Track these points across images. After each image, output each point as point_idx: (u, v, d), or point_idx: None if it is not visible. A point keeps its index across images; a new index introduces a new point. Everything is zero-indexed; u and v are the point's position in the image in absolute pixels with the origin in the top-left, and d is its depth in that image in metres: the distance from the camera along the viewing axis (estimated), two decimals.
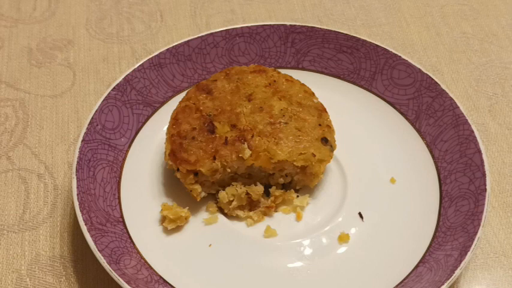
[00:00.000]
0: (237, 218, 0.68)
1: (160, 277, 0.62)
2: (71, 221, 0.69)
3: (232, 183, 0.67)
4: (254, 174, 0.68)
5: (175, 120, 0.68)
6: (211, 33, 0.79)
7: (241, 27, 0.80)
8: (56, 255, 0.66)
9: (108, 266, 0.58)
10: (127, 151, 0.72)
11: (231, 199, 0.67)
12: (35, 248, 0.67)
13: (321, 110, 0.69)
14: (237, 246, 0.65)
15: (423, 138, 0.73)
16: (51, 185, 0.72)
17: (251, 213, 0.67)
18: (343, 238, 0.65)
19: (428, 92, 0.74)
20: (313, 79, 0.77)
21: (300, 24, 0.80)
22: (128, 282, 0.57)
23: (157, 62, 0.76)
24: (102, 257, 0.59)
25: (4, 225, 0.69)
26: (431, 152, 0.71)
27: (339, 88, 0.78)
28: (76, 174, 0.65)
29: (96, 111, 0.71)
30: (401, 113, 0.75)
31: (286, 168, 0.66)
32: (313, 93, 0.71)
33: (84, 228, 0.61)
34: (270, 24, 0.80)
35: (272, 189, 0.68)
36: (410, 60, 0.76)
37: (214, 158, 0.65)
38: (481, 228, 0.61)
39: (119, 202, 0.68)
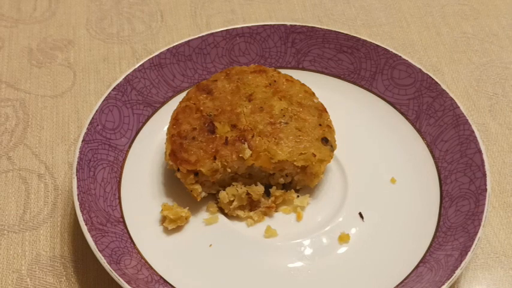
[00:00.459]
0: (238, 218, 0.68)
1: (161, 277, 0.62)
2: (72, 221, 0.69)
3: (233, 183, 0.67)
4: (254, 174, 0.68)
5: (175, 120, 0.68)
6: (212, 33, 0.79)
7: (242, 27, 0.80)
8: (56, 255, 0.66)
9: (108, 266, 0.58)
10: (127, 151, 0.72)
11: (232, 199, 0.67)
12: (35, 248, 0.67)
13: (321, 110, 0.69)
14: (238, 246, 0.65)
15: (423, 138, 0.73)
16: (52, 185, 0.72)
17: (251, 213, 0.67)
18: (344, 238, 0.65)
19: (428, 92, 0.74)
20: (313, 79, 0.77)
21: (301, 24, 0.80)
22: (128, 282, 0.57)
23: (157, 62, 0.76)
24: (102, 257, 0.59)
25: (4, 225, 0.69)
26: (431, 152, 0.71)
27: (339, 88, 0.78)
28: (76, 175, 0.65)
29: (96, 111, 0.71)
30: (402, 113, 0.75)
31: (287, 168, 0.66)
32: (313, 93, 0.71)
33: (84, 229, 0.61)
34: (271, 24, 0.80)
35: (272, 189, 0.68)
36: (410, 60, 0.76)
37: (215, 158, 0.65)
38: (481, 228, 0.61)
39: (119, 202, 0.68)
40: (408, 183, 0.70)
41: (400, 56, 0.76)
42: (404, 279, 0.62)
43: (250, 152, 0.65)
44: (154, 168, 0.71)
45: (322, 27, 0.80)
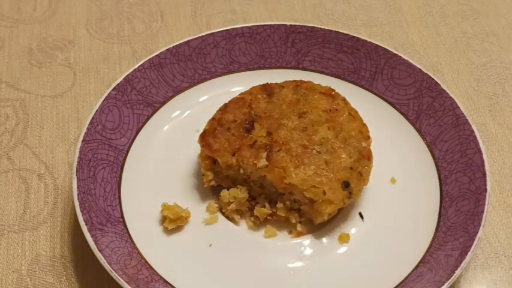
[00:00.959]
0: (232, 220, 0.67)
1: (161, 277, 0.62)
2: (72, 221, 0.69)
3: (238, 186, 0.67)
4: (266, 186, 0.67)
5: (225, 106, 0.70)
6: (212, 33, 0.79)
7: (242, 27, 0.80)
8: (56, 255, 0.66)
9: (108, 266, 0.58)
10: (127, 151, 0.72)
11: (231, 201, 0.67)
12: (35, 248, 0.67)
13: (364, 156, 0.65)
14: (237, 246, 0.65)
15: (423, 138, 0.73)
16: (52, 185, 0.72)
17: (252, 218, 0.67)
18: (344, 238, 0.65)
19: (428, 92, 0.74)
20: (313, 79, 0.77)
21: (301, 24, 0.80)
22: (128, 283, 0.57)
23: (157, 62, 0.76)
24: (102, 257, 0.59)
25: (4, 225, 0.69)
26: (431, 152, 0.71)
27: (339, 88, 0.77)
28: (76, 174, 0.65)
29: (96, 111, 0.71)
30: (402, 113, 0.75)
31: (296, 194, 0.65)
32: (368, 137, 0.67)
33: (84, 228, 0.61)
34: (271, 24, 0.80)
35: (278, 206, 0.66)
36: (410, 60, 0.76)
37: (234, 154, 0.65)
38: (481, 228, 0.61)
39: (119, 202, 0.68)
40: (408, 183, 0.70)
41: (400, 56, 0.76)
42: (404, 279, 0.62)
43: (267, 163, 0.64)
44: (154, 168, 0.71)
45: (322, 27, 0.80)
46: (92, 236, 0.60)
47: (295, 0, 0.94)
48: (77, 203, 0.63)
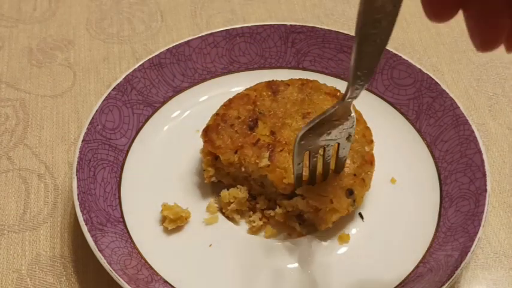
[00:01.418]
0: (233, 220, 0.67)
1: (161, 277, 0.62)
2: (72, 221, 0.69)
3: (238, 186, 0.67)
4: (266, 185, 0.67)
5: (229, 102, 0.70)
6: (212, 33, 0.79)
7: (242, 27, 0.80)
8: (56, 255, 0.66)
9: (108, 266, 0.58)
10: (127, 151, 0.72)
11: (231, 201, 0.67)
12: (35, 248, 0.67)
13: (367, 162, 0.65)
14: (237, 246, 0.65)
15: (423, 138, 0.73)
16: (52, 185, 0.72)
17: (254, 216, 0.67)
18: (344, 238, 0.65)
19: (428, 92, 0.74)
20: (313, 79, 0.77)
21: (301, 24, 0.80)
22: (128, 283, 0.57)
23: (157, 62, 0.77)
24: (102, 257, 0.59)
25: (4, 225, 0.69)
26: (431, 152, 0.71)
27: (339, 88, 0.78)
28: (76, 174, 0.65)
29: (96, 111, 0.71)
30: (402, 113, 0.75)
31: (298, 202, 0.64)
32: (371, 141, 0.67)
33: (84, 228, 0.61)
34: (271, 24, 0.80)
35: (277, 211, 0.66)
36: (410, 60, 0.76)
37: (236, 152, 0.65)
38: (481, 228, 0.61)
39: (119, 202, 0.68)
40: (408, 183, 0.70)
41: (400, 56, 0.76)
42: (405, 279, 0.62)
43: (268, 163, 0.64)
44: (154, 168, 0.71)
45: (322, 27, 0.80)
46: (92, 236, 0.60)
47: (295, 0, 0.94)
48: (77, 203, 0.63)
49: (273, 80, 0.72)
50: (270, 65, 0.80)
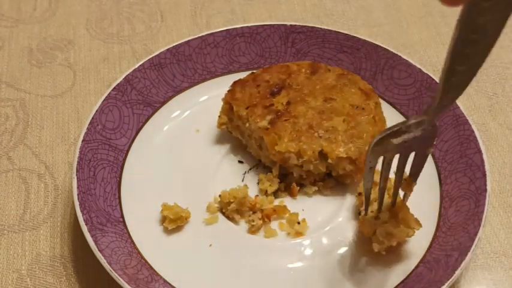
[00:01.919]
0: (233, 220, 0.67)
1: (161, 277, 0.62)
2: (72, 221, 0.69)
3: (238, 185, 0.68)
4: (263, 148, 0.69)
5: (269, 66, 0.74)
6: (212, 33, 0.79)
7: (242, 27, 0.80)
8: (56, 255, 0.66)
9: (108, 266, 0.58)
10: (127, 151, 0.72)
11: (232, 201, 0.67)
12: (35, 248, 0.67)
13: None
14: (237, 246, 0.65)
15: None
16: (52, 185, 0.72)
17: (253, 215, 0.67)
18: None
19: (428, 92, 0.74)
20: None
21: (301, 24, 0.80)
22: (128, 283, 0.57)
23: (157, 62, 0.77)
24: (102, 257, 0.59)
25: (4, 225, 0.69)
26: (431, 152, 0.71)
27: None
28: (76, 174, 0.65)
29: (96, 111, 0.71)
30: (402, 113, 0.75)
31: (290, 162, 0.67)
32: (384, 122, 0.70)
33: (84, 228, 0.61)
34: (270, 24, 0.80)
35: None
36: (410, 60, 0.76)
37: (247, 108, 0.69)
38: (481, 228, 0.61)
39: (119, 202, 0.68)
40: None
41: (400, 56, 0.76)
42: (405, 279, 0.62)
43: (268, 126, 0.67)
44: (154, 168, 0.71)
45: (322, 27, 0.80)
46: (92, 236, 0.60)
47: (295, 0, 0.94)
48: (77, 203, 0.63)
49: (318, 62, 0.75)
50: (270, 65, 0.80)
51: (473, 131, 0.69)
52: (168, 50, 0.77)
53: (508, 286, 0.65)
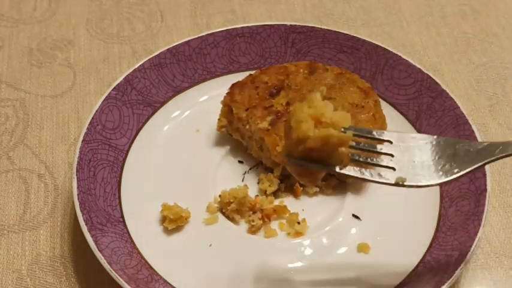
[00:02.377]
0: (233, 220, 0.67)
1: (161, 277, 0.62)
2: (72, 221, 0.69)
3: (238, 185, 0.68)
4: (264, 149, 0.69)
5: (267, 68, 0.74)
6: (212, 33, 0.79)
7: (242, 27, 0.80)
8: (56, 255, 0.66)
9: (108, 266, 0.58)
10: (127, 151, 0.72)
11: (232, 201, 0.67)
12: (35, 248, 0.67)
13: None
14: (237, 246, 0.65)
15: None
16: (52, 185, 0.72)
17: (253, 215, 0.67)
18: (363, 248, 0.64)
19: (428, 92, 0.74)
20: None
21: (301, 24, 0.80)
22: (128, 283, 0.57)
23: (157, 62, 0.77)
24: (102, 257, 0.59)
25: (4, 225, 0.69)
26: None
27: None
28: (76, 174, 0.65)
29: (96, 111, 0.71)
30: (402, 113, 0.75)
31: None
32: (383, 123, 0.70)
33: (84, 228, 0.61)
34: (271, 24, 0.80)
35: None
36: (410, 60, 0.76)
37: (247, 110, 0.69)
38: (481, 228, 0.61)
39: (119, 202, 0.68)
40: None
41: (400, 56, 0.76)
42: (405, 279, 0.62)
43: (268, 127, 0.67)
44: (154, 168, 0.71)
45: (322, 27, 0.80)
46: (92, 236, 0.60)
47: (295, 0, 0.94)
48: (77, 203, 0.63)
49: (315, 62, 0.75)
50: (270, 65, 0.80)
51: (473, 131, 0.69)
52: (168, 50, 0.77)
53: (508, 286, 0.65)
